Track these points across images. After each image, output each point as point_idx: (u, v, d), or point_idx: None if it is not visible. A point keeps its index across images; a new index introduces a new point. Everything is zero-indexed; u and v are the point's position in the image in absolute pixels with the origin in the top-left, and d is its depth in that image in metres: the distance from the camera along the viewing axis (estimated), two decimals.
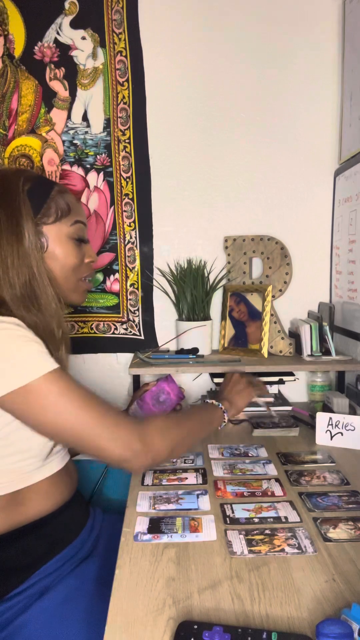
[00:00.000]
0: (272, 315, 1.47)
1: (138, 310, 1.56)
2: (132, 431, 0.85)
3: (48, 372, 0.80)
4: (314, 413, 1.26)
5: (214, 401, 1.13)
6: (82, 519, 1.00)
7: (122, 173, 1.51)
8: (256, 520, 0.84)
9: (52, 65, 1.45)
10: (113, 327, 1.56)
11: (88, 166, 1.50)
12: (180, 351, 1.45)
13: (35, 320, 0.88)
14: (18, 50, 1.44)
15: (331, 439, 1.17)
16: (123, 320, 1.56)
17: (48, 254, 0.94)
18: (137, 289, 1.55)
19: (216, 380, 1.45)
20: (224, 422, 1.11)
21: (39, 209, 0.93)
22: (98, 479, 1.32)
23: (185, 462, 1.09)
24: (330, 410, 1.34)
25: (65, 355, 0.95)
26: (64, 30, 1.44)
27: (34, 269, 0.89)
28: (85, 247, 1.03)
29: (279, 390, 1.49)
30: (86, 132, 1.48)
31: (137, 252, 1.53)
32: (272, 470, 1.04)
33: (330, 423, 1.17)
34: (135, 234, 1.53)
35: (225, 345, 1.52)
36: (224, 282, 1.54)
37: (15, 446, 0.84)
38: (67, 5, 1.43)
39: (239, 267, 1.54)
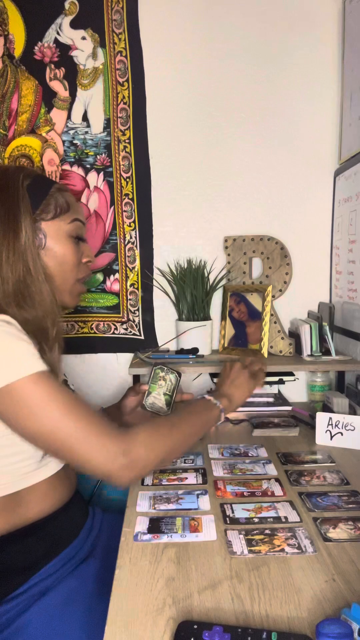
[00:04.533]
0: (272, 315, 1.47)
1: (138, 310, 1.56)
2: (118, 444, 0.81)
3: (34, 372, 0.78)
4: (314, 413, 1.26)
5: (211, 398, 1.05)
6: (82, 520, 1.00)
7: (122, 173, 1.51)
8: (256, 520, 0.84)
9: (52, 66, 1.45)
10: (113, 327, 1.56)
11: (88, 166, 1.50)
12: (180, 351, 1.45)
13: (27, 318, 0.86)
14: (18, 51, 1.44)
15: (331, 439, 1.17)
16: (123, 320, 1.56)
17: (46, 251, 0.93)
18: (137, 289, 1.55)
19: (216, 380, 1.45)
20: (221, 420, 1.06)
21: (37, 205, 0.92)
22: (98, 479, 1.32)
23: (185, 462, 1.09)
24: (330, 410, 1.34)
25: (58, 357, 0.92)
26: (64, 30, 1.44)
27: (29, 265, 0.88)
28: (84, 246, 1.02)
29: (279, 390, 1.49)
30: (86, 132, 1.48)
31: (137, 252, 1.53)
32: (272, 470, 1.04)
33: (330, 423, 1.17)
34: (135, 234, 1.53)
35: (225, 345, 1.52)
36: (224, 282, 1.54)
37: (16, 446, 0.83)
38: (67, 5, 1.43)
39: (239, 267, 1.54)
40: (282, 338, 1.47)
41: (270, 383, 1.45)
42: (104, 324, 1.56)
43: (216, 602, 0.65)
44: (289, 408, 1.41)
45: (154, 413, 1.17)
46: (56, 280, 0.95)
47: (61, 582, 0.86)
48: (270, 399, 1.45)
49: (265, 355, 1.43)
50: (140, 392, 1.20)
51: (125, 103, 1.48)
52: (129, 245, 1.53)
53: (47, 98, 1.46)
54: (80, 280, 1.02)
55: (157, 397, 1.17)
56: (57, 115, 1.47)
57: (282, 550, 0.75)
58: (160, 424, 0.95)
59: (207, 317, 1.49)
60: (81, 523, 0.99)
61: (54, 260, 0.94)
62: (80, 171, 1.50)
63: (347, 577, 0.69)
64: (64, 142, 1.49)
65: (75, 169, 1.50)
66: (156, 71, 1.48)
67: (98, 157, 1.50)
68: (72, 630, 0.78)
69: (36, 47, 1.44)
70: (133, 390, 1.22)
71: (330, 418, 1.17)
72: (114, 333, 1.57)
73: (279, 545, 0.77)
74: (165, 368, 1.18)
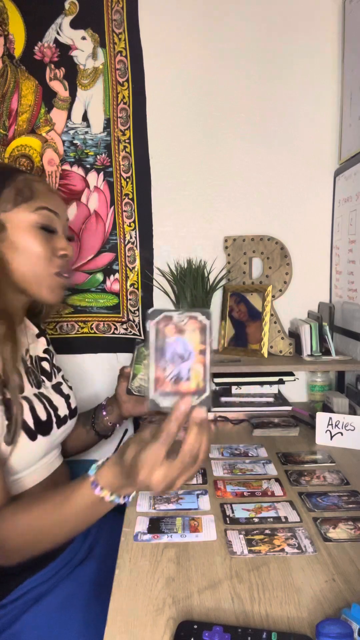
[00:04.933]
0: (272, 315, 1.47)
1: (138, 310, 1.56)
2: None
3: None
4: (314, 413, 1.26)
5: (105, 495, 0.70)
6: None
7: (122, 173, 1.50)
8: (256, 520, 0.84)
9: (52, 66, 1.45)
10: (113, 327, 1.56)
11: (88, 166, 1.50)
12: None
13: None
14: (18, 51, 1.44)
15: (331, 439, 1.17)
16: (123, 320, 1.56)
17: (7, 244, 0.88)
18: (137, 289, 1.55)
19: (216, 380, 1.45)
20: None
21: None
22: None
23: None
24: (330, 410, 1.34)
25: (16, 368, 0.85)
26: (64, 30, 1.44)
27: None
28: (57, 238, 0.95)
29: (279, 390, 1.49)
30: (86, 132, 1.48)
31: (137, 252, 1.53)
32: (272, 470, 1.04)
33: (330, 423, 1.17)
34: (135, 234, 1.53)
35: (225, 345, 1.52)
36: (224, 282, 1.54)
37: None
38: (67, 5, 1.43)
39: (239, 267, 1.54)
40: (282, 338, 1.47)
41: (270, 383, 1.45)
42: (104, 324, 1.56)
43: (216, 602, 0.65)
44: (289, 408, 1.41)
45: (142, 397, 1.07)
46: (27, 276, 0.91)
47: (57, 586, 0.84)
48: (270, 399, 1.45)
49: (265, 355, 1.43)
50: (126, 375, 1.11)
51: (125, 103, 1.48)
52: (129, 245, 1.53)
53: (47, 98, 1.46)
54: (59, 274, 0.95)
55: (144, 378, 1.07)
56: (57, 115, 1.47)
57: (282, 550, 0.75)
58: (19, 516, 0.74)
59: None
60: None
61: (19, 254, 0.90)
62: (80, 171, 1.50)
63: (347, 577, 0.69)
64: (64, 142, 1.48)
65: (75, 169, 1.49)
66: (156, 71, 1.48)
67: (98, 157, 1.50)
68: (70, 635, 0.77)
69: (36, 47, 1.44)
70: (122, 376, 1.15)
71: (330, 418, 1.17)
72: (114, 333, 1.57)
73: (279, 545, 0.77)
74: None
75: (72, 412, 1.05)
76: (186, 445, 0.64)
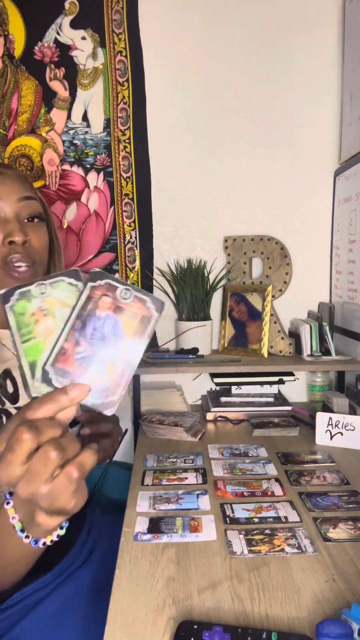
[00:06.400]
0: (272, 315, 1.47)
1: None
2: None
3: None
4: (314, 413, 1.26)
5: (14, 522, 0.53)
6: (78, 527, 0.97)
7: (122, 173, 1.51)
8: (256, 520, 0.84)
9: (52, 65, 1.45)
10: None
11: (88, 166, 1.50)
12: (180, 351, 1.45)
13: None
14: (18, 51, 1.44)
15: (331, 439, 1.17)
16: None
17: None
18: None
19: (216, 380, 1.45)
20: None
21: None
22: (98, 479, 1.32)
23: (185, 462, 1.09)
24: (330, 410, 1.34)
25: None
26: (64, 30, 1.44)
27: None
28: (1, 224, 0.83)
29: (279, 390, 1.49)
30: (86, 132, 1.48)
31: (137, 252, 1.53)
32: (272, 470, 1.04)
33: (330, 423, 1.17)
34: (135, 234, 1.53)
35: (225, 345, 1.52)
36: (224, 282, 1.54)
37: None
38: (67, 5, 1.43)
39: (239, 267, 1.54)
40: (282, 338, 1.47)
41: (270, 383, 1.45)
42: None
43: (216, 602, 0.65)
44: (289, 408, 1.41)
45: None
46: None
47: (56, 590, 0.83)
48: (270, 399, 1.44)
49: (265, 355, 1.43)
50: None
51: (125, 103, 1.48)
52: (129, 245, 1.53)
53: (47, 98, 1.46)
54: (7, 264, 0.82)
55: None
56: (57, 115, 1.47)
57: (282, 550, 0.75)
58: None
59: (207, 317, 1.49)
60: (77, 530, 0.94)
61: None
62: (80, 171, 1.50)
63: (347, 577, 0.69)
64: (63, 142, 1.48)
65: (75, 168, 1.49)
66: (156, 71, 1.48)
67: (98, 157, 1.50)
68: (69, 637, 0.77)
69: (36, 47, 1.44)
70: None
71: (330, 418, 1.17)
72: None
73: (279, 545, 0.77)
74: None
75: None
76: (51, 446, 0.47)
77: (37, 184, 1.48)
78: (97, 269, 0.50)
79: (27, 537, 0.52)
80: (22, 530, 0.52)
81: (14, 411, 0.85)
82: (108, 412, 0.49)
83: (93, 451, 0.49)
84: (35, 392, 0.48)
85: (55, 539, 0.54)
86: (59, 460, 0.46)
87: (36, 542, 0.52)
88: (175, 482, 0.99)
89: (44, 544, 0.53)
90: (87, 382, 0.48)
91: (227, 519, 0.85)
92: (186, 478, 1.01)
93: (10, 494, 0.52)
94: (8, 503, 0.52)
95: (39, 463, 0.46)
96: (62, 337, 0.49)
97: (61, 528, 0.54)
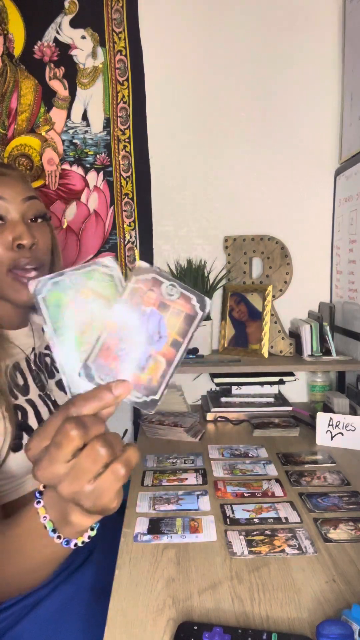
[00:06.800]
0: (272, 315, 1.47)
1: None
2: None
3: None
4: (314, 413, 1.26)
5: (45, 522, 0.50)
6: None
7: (122, 173, 1.50)
8: (256, 520, 0.84)
9: (52, 65, 1.45)
10: None
11: (88, 166, 1.49)
12: None
13: None
14: (18, 50, 1.44)
15: (331, 440, 1.17)
16: None
17: None
18: None
19: (216, 380, 1.45)
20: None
21: None
22: None
23: (185, 463, 1.08)
24: (331, 411, 1.34)
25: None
26: (63, 29, 1.44)
27: None
28: (8, 227, 0.82)
29: (279, 390, 1.49)
30: (86, 132, 1.48)
31: (137, 251, 1.53)
32: (272, 470, 1.04)
33: (330, 423, 1.17)
34: (135, 234, 1.52)
35: (226, 345, 1.52)
36: (224, 282, 1.54)
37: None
38: (66, 4, 1.43)
39: (239, 267, 1.54)
40: (283, 338, 1.47)
41: (271, 383, 1.45)
42: None
43: (216, 603, 0.64)
44: (290, 408, 1.41)
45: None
46: None
47: (55, 590, 0.83)
48: (271, 399, 1.44)
49: (266, 355, 1.43)
50: None
51: (125, 102, 1.47)
52: (129, 245, 1.53)
53: (47, 97, 1.46)
54: (15, 269, 0.82)
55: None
56: (57, 115, 1.47)
57: (283, 551, 0.75)
58: None
59: (207, 317, 1.49)
60: None
61: None
62: (80, 170, 1.50)
63: (348, 578, 0.69)
64: (63, 141, 1.48)
65: (74, 168, 1.49)
66: (156, 71, 1.48)
67: (98, 156, 1.49)
68: (68, 638, 0.77)
69: (36, 46, 1.44)
70: None
71: (331, 418, 1.17)
72: None
73: (279, 546, 0.76)
74: None
75: None
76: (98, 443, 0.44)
77: (36, 184, 1.48)
78: (143, 264, 0.48)
79: (58, 537, 0.50)
80: (54, 531, 0.49)
81: (26, 405, 0.85)
82: (149, 412, 0.48)
83: (136, 448, 0.47)
84: (75, 388, 0.46)
85: (86, 540, 0.52)
86: (107, 457, 0.44)
87: (68, 542, 0.50)
88: (175, 483, 0.99)
89: (75, 544, 0.51)
90: (130, 379, 0.46)
91: (227, 519, 0.85)
92: (186, 479, 1.00)
93: (40, 493, 0.50)
94: (39, 502, 0.50)
95: (88, 460, 0.43)
96: (105, 332, 0.46)
97: (92, 529, 0.52)
